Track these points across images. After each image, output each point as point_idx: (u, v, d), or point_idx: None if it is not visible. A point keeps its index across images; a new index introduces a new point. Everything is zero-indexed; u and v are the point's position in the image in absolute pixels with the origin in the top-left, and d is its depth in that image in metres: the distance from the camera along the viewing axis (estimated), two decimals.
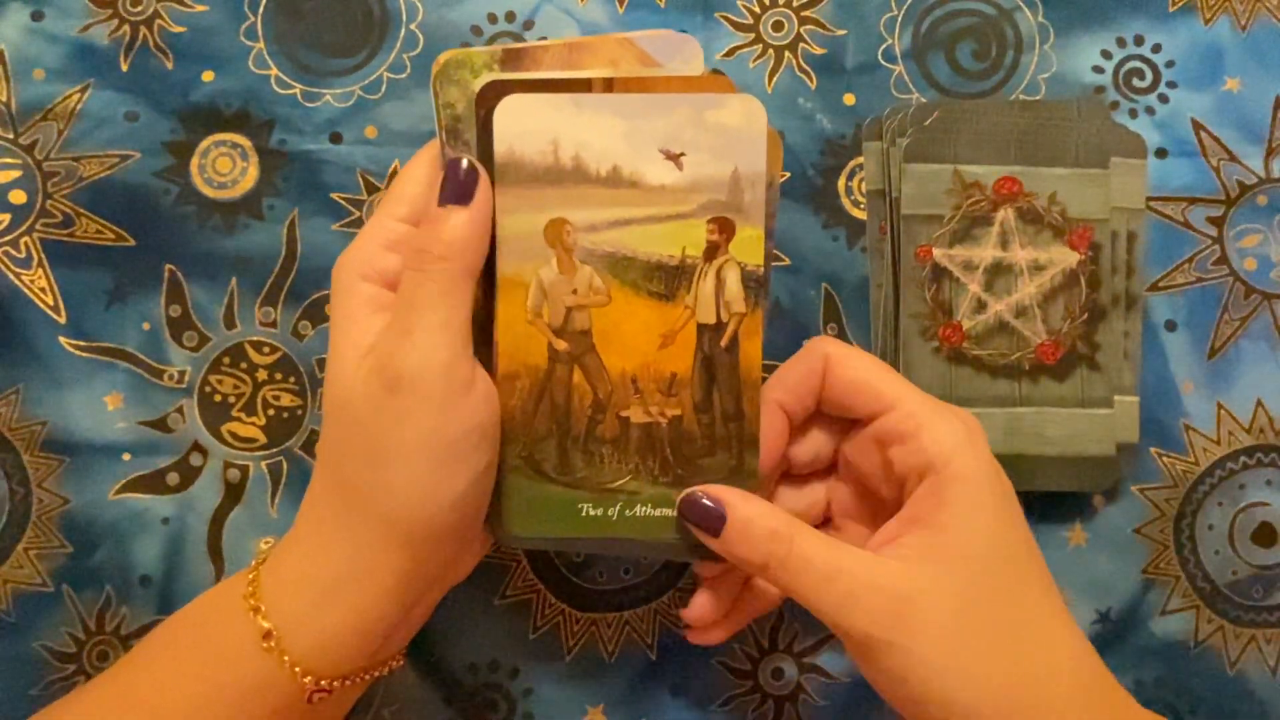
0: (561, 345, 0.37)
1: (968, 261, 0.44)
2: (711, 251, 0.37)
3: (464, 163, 0.36)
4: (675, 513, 0.38)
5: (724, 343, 0.37)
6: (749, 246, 0.37)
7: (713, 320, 0.37)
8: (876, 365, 0.39)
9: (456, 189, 0.36)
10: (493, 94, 0.36)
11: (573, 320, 0.37)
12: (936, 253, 0.44)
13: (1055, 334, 0.44)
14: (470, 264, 0.36)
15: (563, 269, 0.37)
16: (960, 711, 0.34)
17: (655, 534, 0.38)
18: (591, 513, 0.38)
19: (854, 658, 0.37)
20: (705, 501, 0.37)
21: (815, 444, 0.41)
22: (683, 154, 0.36)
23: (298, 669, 0.35)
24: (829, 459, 0.41)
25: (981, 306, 0.44)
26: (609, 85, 0.37)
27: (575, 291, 0.37)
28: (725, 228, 0.37)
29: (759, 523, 0.36)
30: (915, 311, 0.44)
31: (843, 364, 0.39)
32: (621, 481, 0.38)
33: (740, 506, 0.36)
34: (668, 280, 0.37)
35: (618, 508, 0.38)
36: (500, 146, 0.36)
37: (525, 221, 0.37)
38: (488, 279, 0.37)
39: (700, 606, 0.40)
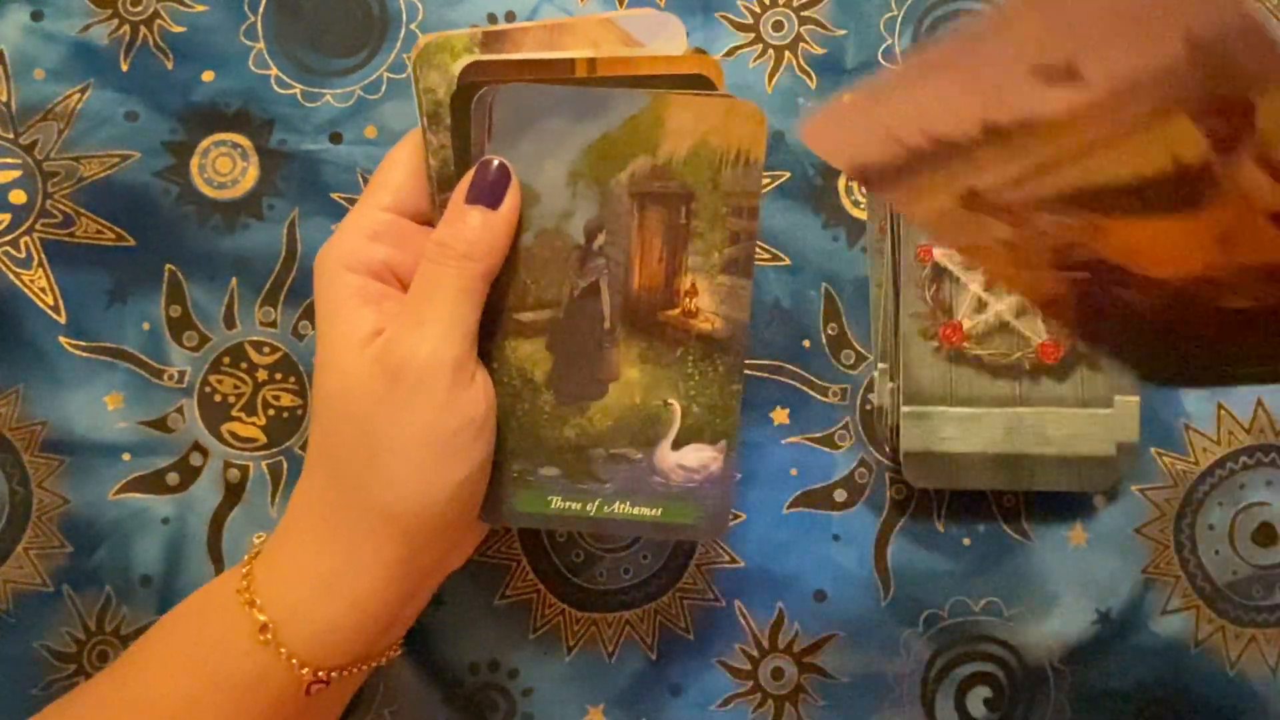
0: None
1: (968, 261, 0.44)
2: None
3: (495, 163, 0.36)
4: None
5: None
6: None
7: None
8: None
9: (486, 189, 0.36)
10: (472, 77, 0.36)
11: None
12: (936, 252, 0.44)
13: (1056, 334, 0.44)
14: (491, 266, 0.36)
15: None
16: None
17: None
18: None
19: None
20: None
21: None
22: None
23: (295, 661, 0.35)
24: None
25: (982, 306, 0.44)
26: (591, 65, 0.37)
27: None
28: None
29: None
30: (915, 311, 0.44)
31: None
32: None
33: None
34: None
35: None
36: None
37: None
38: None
39: None
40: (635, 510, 0.39)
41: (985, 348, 0.44)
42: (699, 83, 0.37)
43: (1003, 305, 0.43)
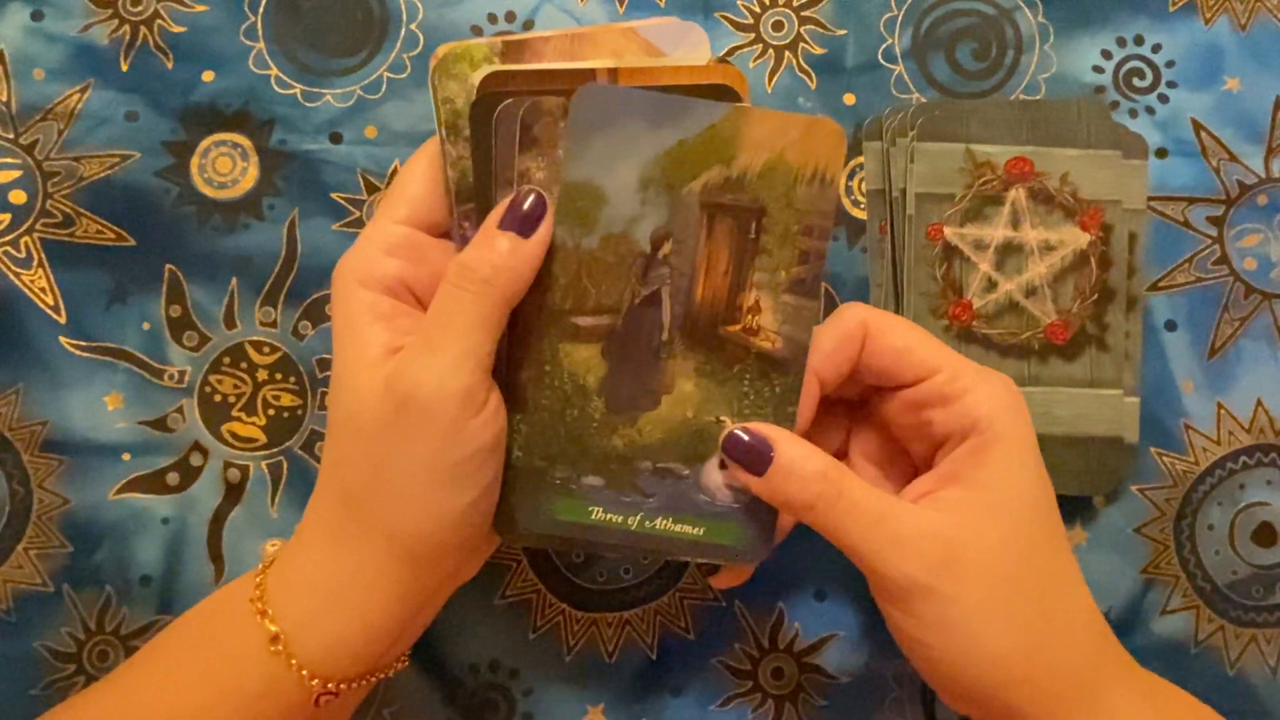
0: None
1: (978, 240, 0.44)
2: None
3: (533, 194, 0.35)
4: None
5: None
6: None
7: None
8: (914, 331, 0.38)
9: (521, 218, 0.35)
10: (492, 87, 0.36)
11: None
12: (947, 231, 0.43)
13: (1065, 314, 0.43)
14: (514, 293, 0.35)
15: None
16: (991, 660, 0.35)
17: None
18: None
19: (887, 606, 0.36)
20: (747, 438, 0.36)
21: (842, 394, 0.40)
22: None
23: (305, 672, 0.35)
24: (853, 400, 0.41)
25: (992, 286, 0.44)
26: (613, 76, 0.36)
27: None
28: None
29: (807, 463, 0.35)
30: (925, 290, 0.43)
31: (883, 332, 0.38)
32: None
33: (786, 445, 0.36)
34: None
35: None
36: None
37: None
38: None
39: None
40: (677, 527, 0.38)
41: (994, 327, 0.43)
42: (722, 93, 0.37)
43: (1012, 285, 0.43)
